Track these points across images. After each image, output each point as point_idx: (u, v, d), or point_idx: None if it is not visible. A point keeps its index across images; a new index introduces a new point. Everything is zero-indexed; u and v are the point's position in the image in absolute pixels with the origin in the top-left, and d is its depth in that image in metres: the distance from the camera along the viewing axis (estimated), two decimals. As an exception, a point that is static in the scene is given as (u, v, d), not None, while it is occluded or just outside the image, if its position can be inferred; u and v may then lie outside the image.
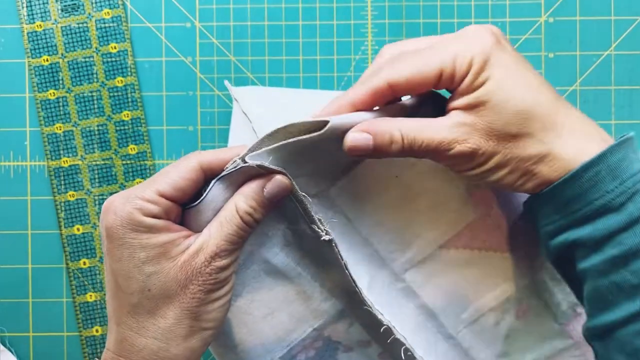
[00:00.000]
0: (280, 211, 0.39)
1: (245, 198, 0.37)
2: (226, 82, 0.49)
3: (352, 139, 0.37)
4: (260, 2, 0.54)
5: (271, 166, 0.37)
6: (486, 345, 0.45)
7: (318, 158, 0.39)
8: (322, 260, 0.41)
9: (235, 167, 0.36)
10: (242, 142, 0.47)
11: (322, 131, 0.36)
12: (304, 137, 0.36)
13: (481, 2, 0.54)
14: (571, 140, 0.36)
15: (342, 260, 0.39)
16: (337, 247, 0.39)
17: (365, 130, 0.37)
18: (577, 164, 0.36)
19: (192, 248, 0.36)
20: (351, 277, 0.40)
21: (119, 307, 0.37)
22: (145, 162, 0.54)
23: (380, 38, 0.54)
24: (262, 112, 0.46)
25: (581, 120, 0.37)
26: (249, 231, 0.38)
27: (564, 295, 0.44)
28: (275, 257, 0.41)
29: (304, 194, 0.38)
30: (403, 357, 0.42)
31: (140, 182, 0.53)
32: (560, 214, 0.37)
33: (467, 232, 0.43)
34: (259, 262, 0.41)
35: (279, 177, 0.37)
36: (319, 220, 0.39)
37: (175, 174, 0.36)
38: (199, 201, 0.37)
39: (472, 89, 0.36)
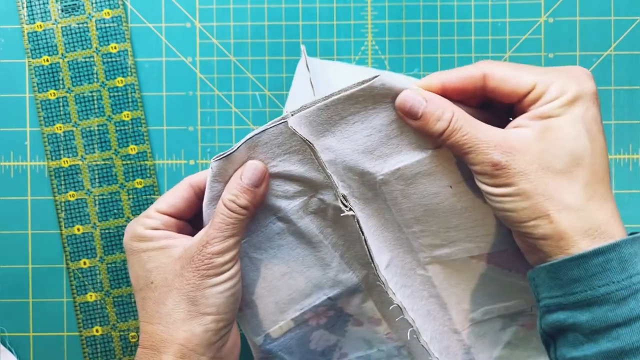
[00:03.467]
0: (313, 179, 0.42)
1: (228, 187, 0.41)
2: (303, 47, 0.49)
3: (407, 95, 0.39)
4: (261, 2, 0.54)
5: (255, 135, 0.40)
6: (487, 346, 0.45)
7: (373, 135, 0.41)
8: (345, 232, 0.43)
9: (230, 151, 0.40)
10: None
11: (370, 82, 0.38)
12: (351, 89, 0.39)
13: (481, 2, 0.54)
14: (600, 212, 0.36)
15: (363, 235, 0.41)
16: (359, 223, 0.41)
17: (423, 96, 0.39)
18: (590, 244, 0.36)
19: (188, 243, 0.41)
20: (369, 251, 0.41)
21: (138, 305, 0.42)
22: (146, 162, 0.54)
23: (381, 38, 0.54)
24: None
25: (612, 206, 0.37)
26: (238, 217, 0.40)
27: None
28: (301, 220, 0.43)
29: (330, 172, 0.41)
30: (409, 339, 0.43)
31: (140, 181, 0.54)
32: (562, 290, 0.36)
33: (501, 255, 0.43)
34: (285, 221, 0.43)
35: (251, 162, 0.41)
36: (343, 196, 0.41)
37: (170, 193, 0.43)
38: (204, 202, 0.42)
39: (548, 115, 0.37)
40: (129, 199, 0.54)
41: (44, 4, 0.53)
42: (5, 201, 0.54)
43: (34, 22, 0.54)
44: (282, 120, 0.40)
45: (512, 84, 0.38)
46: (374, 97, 0.39)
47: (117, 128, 0.54)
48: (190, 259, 0.40)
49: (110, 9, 0.54)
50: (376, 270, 0.41)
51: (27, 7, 0.53)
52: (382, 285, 0.42)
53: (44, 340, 0.54)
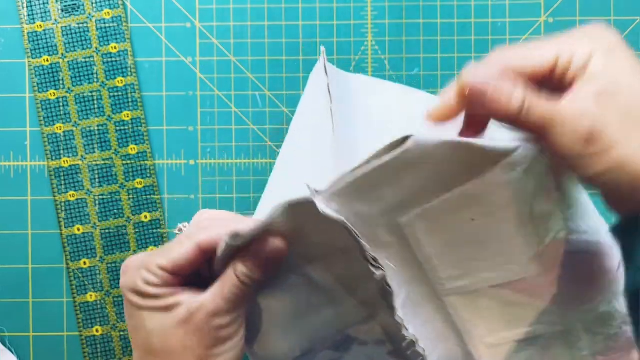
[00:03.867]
0: (337, 242, 0.39)
1: (243, 260, 0.38)
2: (322, 49, 0.47)
3: (475, 73, 0.34)
4: (261, 2, 0.54)
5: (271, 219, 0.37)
6: None
7: (394, 184, 0.39)
8: (360, 274, 0.41)
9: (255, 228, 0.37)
10: (309, 117, 0.47)
11: (404, 147, 0.35)
12: (383, 156, 0.36)
13: (481, 2, 0.54)
14: None
15: (390, 288, 0.39)
16: (388, 285, 0.39)
17: (485, 74, 0.34)
18: None
19: (193, 306, 0.38)
20: (393, 301, 0.40)
21: (134, 356, 0.40)
22: (146, 162, 0.54)
23: (381, 38, 0.54)
24: (359, 102, 0.45)
25: None
26: (248, 291, 0.38)
27: (590, 344, 0.44)
28: (314, 272, 0.42)
29: (362, 241, 0.38)
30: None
31: (140, 181, 0.54)
32: None
33: (522, 282, 0.43)
34: (298, 275, 0.42)
35: (273, 240, 0.38)
36: (374, 258, 0.39)
37: (174, 250, 0.39)
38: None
39: (593, 80, 0.33)
40: (129, 198, 0.54)
41: (44, 4, 0.53)
42: (5, 201, 0.54)
43: (34, 22, 0.54)
44: (307, 199, 0.37)
45: (533, 62, 0.34)
46: (406, 162, 0.37)
47: (117, 128, 0.54)
48: (195, 328, 0.38)
49: (110, 9, 0.54)
50: (394, 313, 0.40)
51: (27, 7, 0.53)
52: (398, 324, 0.40)
53: (44, 340, 0.54)
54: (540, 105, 0.33)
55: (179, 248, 0.39)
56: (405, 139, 0.35)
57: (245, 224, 0.37)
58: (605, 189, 0.34)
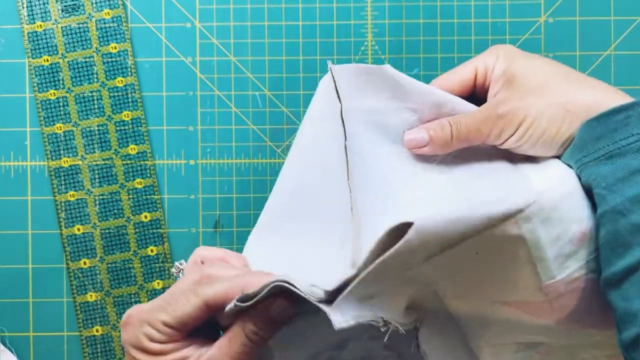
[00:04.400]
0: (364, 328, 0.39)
1: (251, 317, 0.38)
2: (329, 64, 0.45)
3: (410, 134, 0.43)
4: (261, 2, 0.54)
5: (294, 288, 0.36)
6: None
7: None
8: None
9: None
10: (318, 120, 0.45)
11: (407, 238, 0.35)
12: (386, 254, 0.36)
13: (481, 2, 0.54)
14: (593, 91, 0.40)
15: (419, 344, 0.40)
16: (417, 339, 0.40)
17: (422, 127, 0.43)
18: (603, 108, 0.38)
19: None
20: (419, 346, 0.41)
21: None
22: (146, 162, 0.54)
23: (381, 38, 0.54)
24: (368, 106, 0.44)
25: (598, 81, 0.41)
26: (255, 349, 0.38)
27: (594, 356, 0.44)
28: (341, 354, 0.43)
29: (380, 321, 0.38)
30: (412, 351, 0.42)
31: (140, 181, 0.54)
32: (584, 152, 0.39)
33: (527, 304, 0.42)
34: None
35: (281, 300, 0.37)
36: (415, 328, 0.40)
37: (179, 306, 0.38)
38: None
39: (500, 76, 0.42)
40: (129, 198, 0.54)
41: (44, 4, 0.53)
42: (5, 201, 0.54)
43: (34, 22, 0.54)
44: (322, 306, 0.36)
45: (459, 78, 0.44)
46: (411, 250, 0.36)
47: (117, 128, 0.54)
48: None
49: (111, 9, 0.54)
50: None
51: (27, 7, 0.53)
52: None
53: (44, 340, 0.54)
54: (466, 123, 0.42)
55: (185, 304, 0.38)
56: (408, 226, 0.35)
57: (253, 283, 0.37)
58: (528, 151, 0.42)
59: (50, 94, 0.54)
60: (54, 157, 0.54)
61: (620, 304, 0.36)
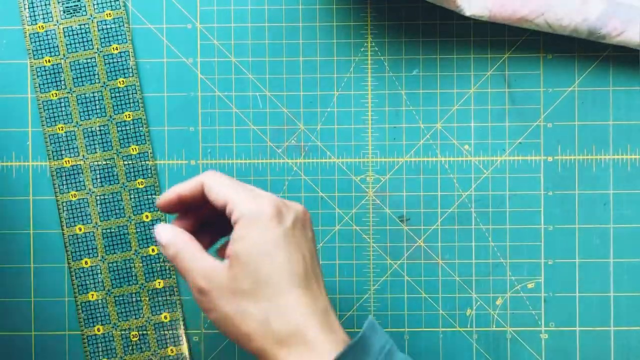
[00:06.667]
0: None
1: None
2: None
3: (159, 238, 0.44)
4: (261, 4, 0.54)
5: None
6: None
7: None
8: None
9: None
10: None
11: None
12: None
13: (480, 3, 0.54)
14: (286, 324, 0.39)
15: None
16: None
17: (163, 240, 0.43)
18: (286, 353, 0.38)
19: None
20: None
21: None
22: (147, 162, 0.54)
23: (380, 39, 0.54)
24: None
25: (305, 310, 0.39)
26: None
27: None
28: None
29: None
30: None
31: (141, 181, 0.54)
32: None
33: None
34: None
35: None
36: None
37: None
38: None
39: (234, 240, 0.40)
40: (131, 198, 0.54)
41: (45, 5, 0.54)
42: (7, 201, 0.54)
43: (36, 23, 0.54)
44: None
45: (212, 196, 0.42)
46: None
47: (119, 128, 0.54)
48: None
49: (112, 10, 0.54)
50: None
51: (29, 8, 0.54)
52: None
53: (46, 339, 0.54)
54: (182, 260, 0.42)
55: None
56: None
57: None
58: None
59: (52, 94, 0.54)
60: (55, 158, 0.54)
61: None
